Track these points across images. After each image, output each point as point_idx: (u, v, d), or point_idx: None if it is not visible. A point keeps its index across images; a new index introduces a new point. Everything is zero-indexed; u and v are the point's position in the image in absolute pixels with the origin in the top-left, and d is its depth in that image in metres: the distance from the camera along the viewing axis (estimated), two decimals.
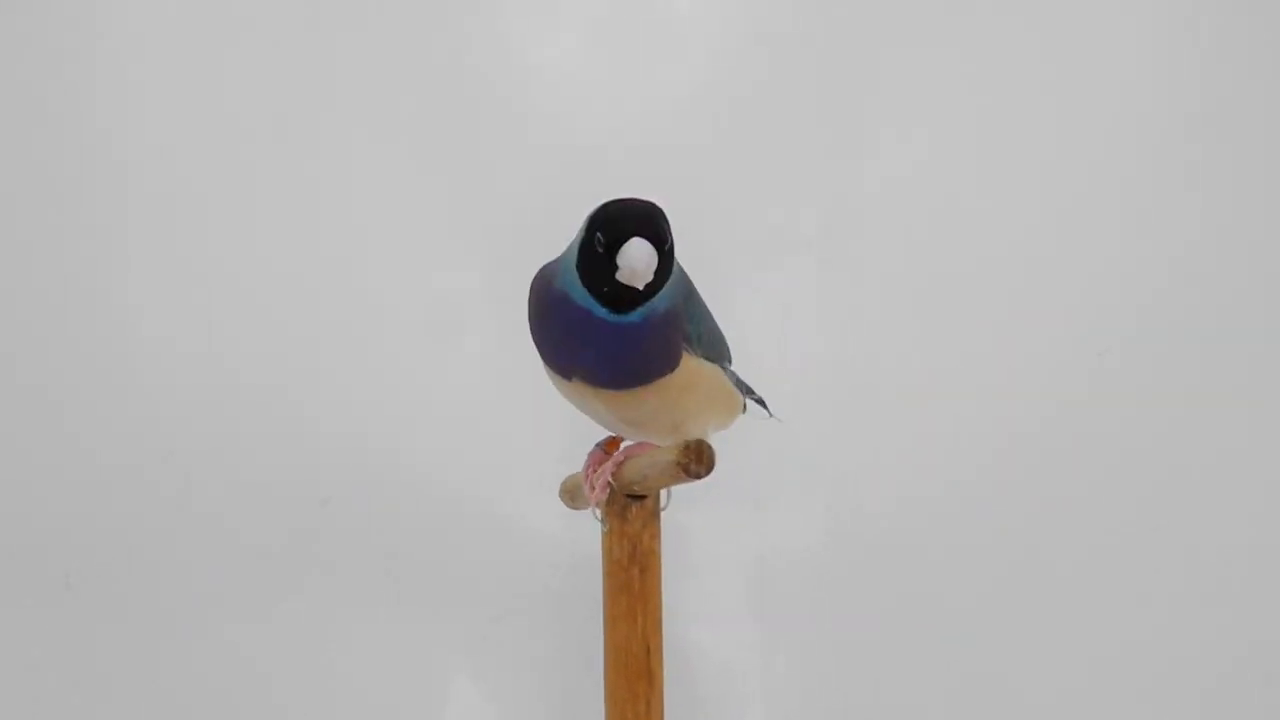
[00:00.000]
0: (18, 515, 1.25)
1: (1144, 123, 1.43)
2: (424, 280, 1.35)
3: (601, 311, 0.97)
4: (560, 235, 1.00)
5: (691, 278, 1.04)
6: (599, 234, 0.94)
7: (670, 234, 0.97)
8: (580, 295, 0.97)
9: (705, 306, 1.05)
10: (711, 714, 1.36)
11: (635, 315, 0.97)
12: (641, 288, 0.95)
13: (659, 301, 0.98)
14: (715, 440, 0.98)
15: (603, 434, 1.07)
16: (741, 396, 1.09)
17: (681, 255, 1.02)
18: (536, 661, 1.35)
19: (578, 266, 0.96)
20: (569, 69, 1.39)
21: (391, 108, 1.35)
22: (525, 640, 1.35)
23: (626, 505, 1.05)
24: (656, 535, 1.04)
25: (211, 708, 1.27)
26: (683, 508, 1.10)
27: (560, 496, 1.10)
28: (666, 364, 0.99)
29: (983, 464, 1.15)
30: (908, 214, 1.41)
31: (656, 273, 0.95)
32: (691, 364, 1.01)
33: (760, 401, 1.13)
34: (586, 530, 1.06)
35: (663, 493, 1.06)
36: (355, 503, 1.28)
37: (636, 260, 0.94)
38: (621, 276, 0.94)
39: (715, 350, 1.05)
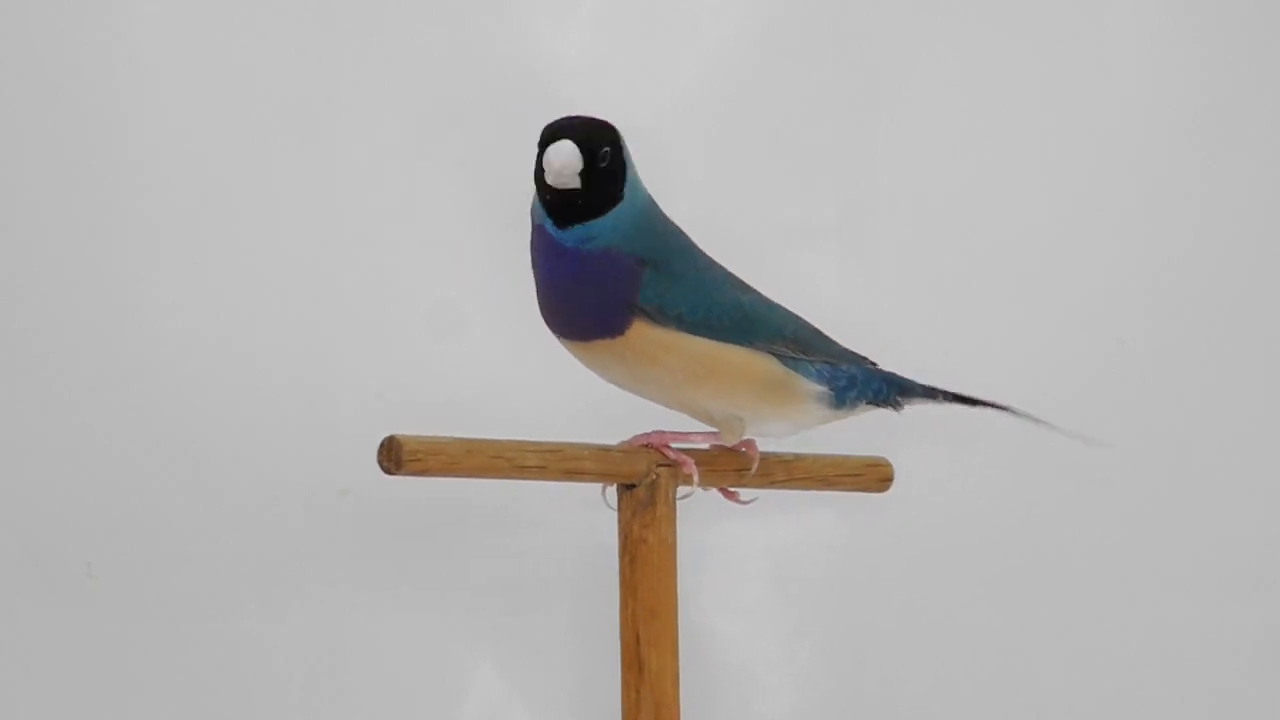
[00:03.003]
0: (39, 504, 1.29)
1: (1160, 110, 1.42)
2: (440, 271, 1.36)
3: (550, 227, 1.00)
4: None
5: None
6: (538, 145, 0.99)
7: (610, 150, 0.99)
8: (539, 214, 1.01)
9: (721, 287, 1.04)
10: (735, 705, 1.34)
11: (571, 236, 1.00)
12: (566, 186, 0.98)
13: (599, 232, 1.00)
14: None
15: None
16: (814, 387, 1.06)
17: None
18: (560, 652, 1.35)
19: (537, 191, 1.01)
20: (583, 62, 1.37)
21: (406, 101, 1.36)
22: (548, 631, 1.35)
23: (619, 494, 1.05)
24: (650, 525, 1.04)
25: (229, 698, 1.30)
26: (703, 497, 1.10)
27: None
28: (602, 322, 1.01)
29: (1002, 454, 1.15)
30: (923, 206, 1.40)
31: (589, 184, 0.98)
32: (652, 333, 1.01)
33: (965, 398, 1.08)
34: (608, 519, 1.07)
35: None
36: (374, 493, 1.29)
37: (555, 156, 0.97)
38: (547, 176, 0.98)
39: (737, 332, 1.03)
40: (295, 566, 1.32)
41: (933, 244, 1.41)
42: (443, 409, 1.31)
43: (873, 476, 1.15)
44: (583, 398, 1.14)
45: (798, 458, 1.12)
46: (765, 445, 1.09)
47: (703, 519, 1.15)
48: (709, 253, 1.07)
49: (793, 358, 1.06)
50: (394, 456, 0.97)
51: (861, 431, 1.14)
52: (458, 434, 1.01)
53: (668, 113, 1.38)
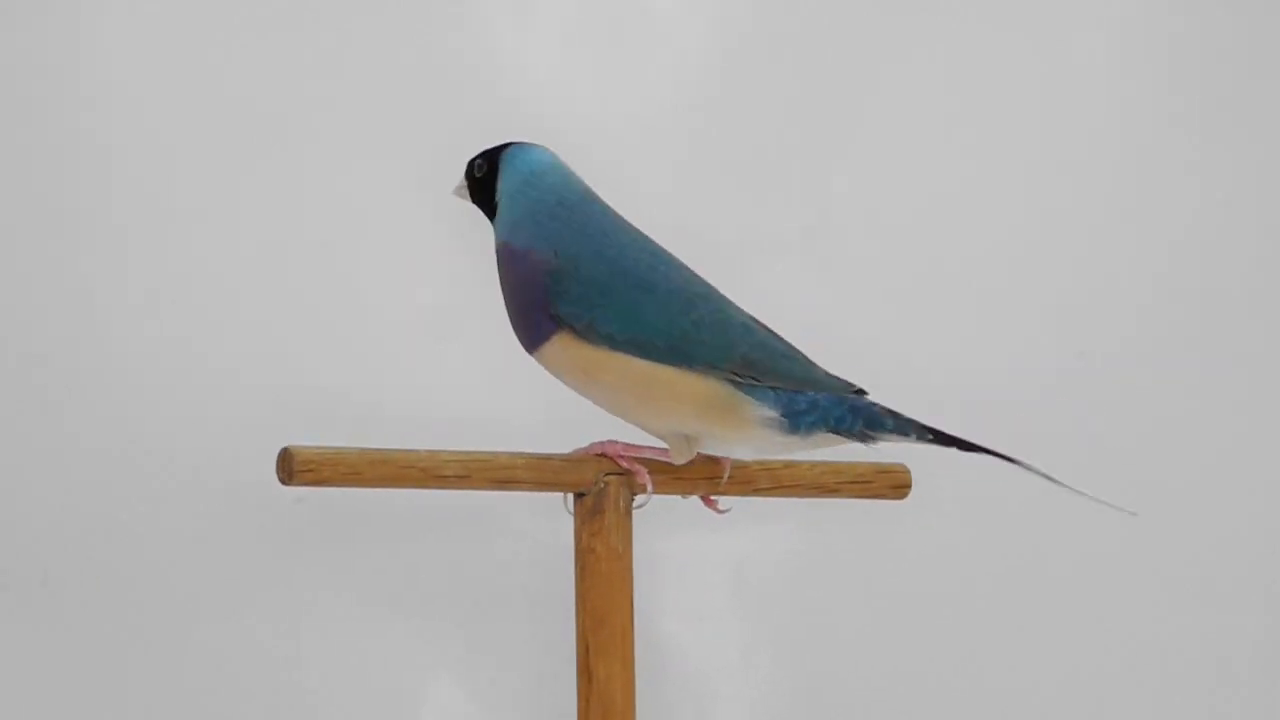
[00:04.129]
0: None
1: (1131, 119, 1.43)
2: (409, 282, 1.36)
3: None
4: None
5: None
6: None
7: (482, 161, 1.11)
8: None
9: (663, 304, 1.03)
10: (692, 714, 1.31)
11: (499, 230, 1.09)
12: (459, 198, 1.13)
13: (499, 227, 1.08)
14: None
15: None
16: (763, 412, 1.03)
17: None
18: (520, 660, 1.33)
19: None
20: (551, 72, 1.36)
21: (375, 107, 1.35)
22: (509, 638, 1.32)
23: (574, 501, 1.05)
24: (598, 533, 1.04)
25: (186, 707, 1.29)
26: (661, 507, 1.09)
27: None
28: (528, 330, 1.05)
29: (972, 459, 1.14)
30: (891, 215, 1.41)
31: (476, 193, 1.11)
32: (584, 350, 1.03)
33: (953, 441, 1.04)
34: (568, 525, 1.07)
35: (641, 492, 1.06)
36: (330, 500, 1.29)
37: None
38: None
39: (674, 354, 1.02)
40: (251, 576, 1.32)
41: (898, 255, 1.40)
42: (402, 418, 1.32)
43: (885, 484, 1.13)
44: (573, 408, 1.13)
45: (787, 465, 1.10)
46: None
47: (661, 528, 1.15)
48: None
49: (742, 381, 1.04)
50: (286, 467, 0.98)
51: None
52: (422, 440, 1.01)
53: (635, 123, 1.38)
